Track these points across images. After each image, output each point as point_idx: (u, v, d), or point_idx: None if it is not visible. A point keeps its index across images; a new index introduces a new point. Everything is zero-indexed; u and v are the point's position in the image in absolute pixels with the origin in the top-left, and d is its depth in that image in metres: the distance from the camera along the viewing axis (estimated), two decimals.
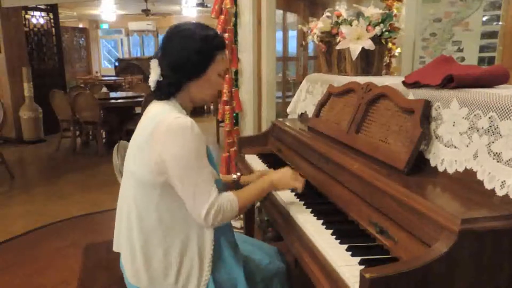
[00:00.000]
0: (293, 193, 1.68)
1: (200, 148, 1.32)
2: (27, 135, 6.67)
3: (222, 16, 3.00)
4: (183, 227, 1.36)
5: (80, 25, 13.75)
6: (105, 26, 14.26)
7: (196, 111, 9.43)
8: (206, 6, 9.74)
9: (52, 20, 7.53)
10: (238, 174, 1.83)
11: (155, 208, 1.35)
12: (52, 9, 7.48)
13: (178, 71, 1.37)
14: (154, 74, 1.38)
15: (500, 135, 1.09)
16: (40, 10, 7.27)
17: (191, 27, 1.41)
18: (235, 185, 1.80)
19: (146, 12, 10.26)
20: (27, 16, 7.00)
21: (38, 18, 7.26)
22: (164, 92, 1.40)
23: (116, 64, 12.55)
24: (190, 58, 1.36)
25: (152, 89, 1.42)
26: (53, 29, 7.57)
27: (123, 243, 1.45)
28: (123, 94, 7.11)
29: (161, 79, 1.38)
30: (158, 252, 1.36)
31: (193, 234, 1.37)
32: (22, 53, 6.74)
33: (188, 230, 1.36)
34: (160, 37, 13.80)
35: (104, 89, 7.78)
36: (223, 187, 1.74)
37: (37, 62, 7.22)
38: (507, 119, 1.07)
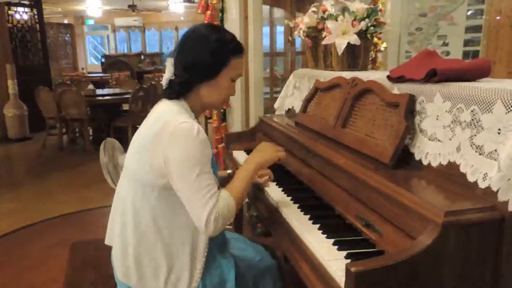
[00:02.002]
0: (281, 189, 1.68)
1: (204, 155, 1.29)
2: (12, 133, 6.58)
3: (209, 12, 2.99)
4: (178, 230, 1.34)
5: (65, 21, 13.55)
6: (90, 22, 14.06)
7: None
8: (193, 2, 9.66)
9: (36, 16, 7.40)
10: (234, 169, 1.81)
11: (151, 209, 1.34)
12: (36, 5, 7.36)
13: (190, 71, 1.36)
14: (168, 72, 1.38)
15: (482, 128, 1.11)
16: (24, 5, 7.15)
17: (208, 28, 1.43)
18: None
19: (133, 7, 10.17)
20: (10, 12, 6.88)
21: (21, 14, 7.14)
22: (175, 91, 1.39)
23: (103, 60, 12.42)
24: (203, 59, 1.36)
25: (164, 87, 1.41)
26: (38, 25, 7.44)
27: (116, 239, 1.44)
28: (110, 90, 7.02)
29: (174, 78, 1.38)
30: (150, 252, 1.36)
31: (187, 238, 1.35)
32: (5, 49, 6.62)
33: (182, 234, 1.35)
34: (147, 33, 13.70)
35: (91, 86, 7.69)
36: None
37: (22, 58, 7.10)
38: (489, 112, 1.09)
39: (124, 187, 1.42)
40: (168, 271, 1.36)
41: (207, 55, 1.36)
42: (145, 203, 1.34)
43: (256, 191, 1.77)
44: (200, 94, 1.42)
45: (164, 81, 1.40)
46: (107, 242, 1.49)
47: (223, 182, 1.79)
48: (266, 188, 1.70)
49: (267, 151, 1.50)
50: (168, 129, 1.28)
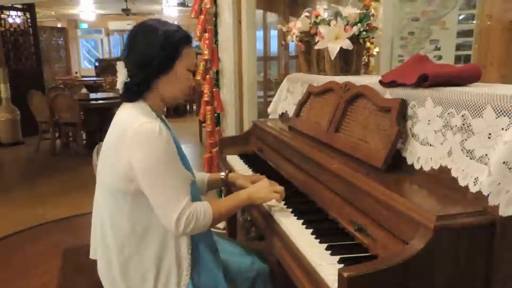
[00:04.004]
0: None
1: (169, 153, 1.28)
2: (4, 137, 6.53)
3: (202, 16, 2.99)
4: (158, 232, 1.34)
5: (59, 25, 13.50)
6: (84, 25, 14.03)
7: (178, 111, 9.37)
8: (187, 6, 9.68)
9: (29, 20, 7.38)
10: (226, 171, 1.79)
11: (128, 215, 1.33)
12: (29, 9, 7.34)
13: (144, 68, 1.33)
14: (121, 76, 1.34)
15: (473, 133, 1.11)
16: (17, 9, 7.13)
17: (153, 23, 1.38)
18: (223, 183, 1.79)
19: (126, 11, 10.15)
20: (2, 16, 6.87)
21: (14, 18, 7.12)
22: (132, 93, 1.36)
23: (96, 64, 12.37)
24: (155, 54, 1.32)
25: (120, 91, 1.38)
26: (31, 28, 7.42)
27: (99, 252, 1.43)
28: (104, 94, 7.02)
29: (128, 80, 1.34)
30: (134, 259, 1.35)
31: (169, 239, 1.35)
32: None
33: (164, 236, 1.34)
34: None
35: (84, 90, 7.67)
36: (205, 187, 1.73)
37: (14, 62, 7.08)
38: (479, 117, 1.10)
39: (99, 198, 1.41)
40: (155, 274, 1.34)
41: (157, 49, 1.32)
42: (121, 210, 1.33)
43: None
44: (160, 91, 1.39)
45: (119, 85, 1.37)
46: (92, 256, 1.48)
47: (215, 186, 1.79)
48: None
49: (263, 190, 1.48)
50: (129, 133, 1.27)
